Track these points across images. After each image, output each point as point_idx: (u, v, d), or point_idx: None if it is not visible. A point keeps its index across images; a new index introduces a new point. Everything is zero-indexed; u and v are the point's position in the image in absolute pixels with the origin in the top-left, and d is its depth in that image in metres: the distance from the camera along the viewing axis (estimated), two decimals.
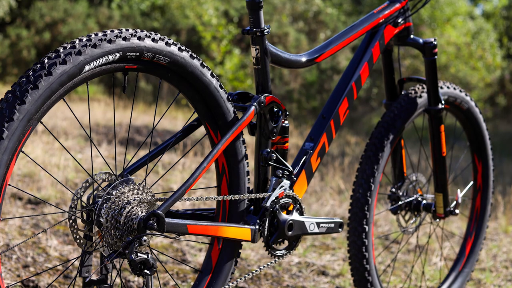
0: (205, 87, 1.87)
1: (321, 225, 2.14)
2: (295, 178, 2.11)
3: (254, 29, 1.98)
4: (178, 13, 13.26)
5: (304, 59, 2.14)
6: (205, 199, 1.89)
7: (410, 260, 3.50)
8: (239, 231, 1.95)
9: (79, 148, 5.56)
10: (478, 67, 14.62)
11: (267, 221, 2.01)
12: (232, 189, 1.98)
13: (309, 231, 2.10)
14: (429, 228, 2.95)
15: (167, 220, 1.77)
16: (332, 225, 2.17)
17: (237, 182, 1.98)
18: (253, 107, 1.96)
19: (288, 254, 2.08)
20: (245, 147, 1.98)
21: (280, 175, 2.06)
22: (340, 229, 2.20)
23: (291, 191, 2.08)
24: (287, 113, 2.05)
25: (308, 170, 2.16)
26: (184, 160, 5.45)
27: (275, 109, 2.02)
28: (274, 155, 2.03)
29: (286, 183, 2.06)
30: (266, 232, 2.01)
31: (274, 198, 2.01)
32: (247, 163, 1.99)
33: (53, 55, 1.62)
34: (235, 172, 1.97)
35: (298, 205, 2.08)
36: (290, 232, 2.05)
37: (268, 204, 2.01)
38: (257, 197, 2.01)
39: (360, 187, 2.39)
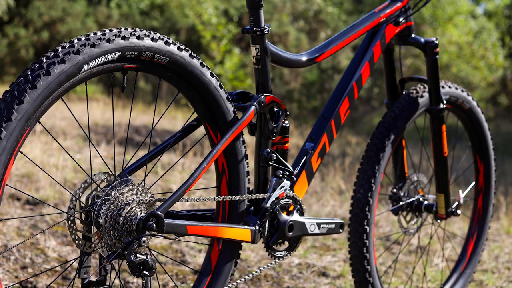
0: (205, 87, 1.86)
1: (321, 225, 2.12)
2: (295, 179, 2.10)
3: (254, 28, 1.96)
4: (177, 12, 13.25)
5: (304, 58, 2.13)
6: (205, 200, 1.88)
7: (412, 261, 3.48)
8: (239, 232, 1.94)
9: (77, 148, 5.54)
10: (480, 67, 14.61)
11: (267, 222, 1.99)
12: (232, 189, 1.97)
13: (310, 232, 2.09)
14: (431, 229, 2.94)
15: (167, 220, 1.76)
16: (333, 225, 2.16)
17: (237, 182, 1.97)
18: (253, 107, 1.94)
19: (288, 255, 2.07)
20: (245, 147, 1.97)
21: (281, 175, 2.04)
22: (341, 230, 2.19)
23: (292, 191, 2.06)
24: (288, 113, 2.03)
25: (309, 171, 2.14)
26: (183, 160, 5.43)
27: (275, 109, 2.01)
28: (274, 155, 2.01)
29: (286, 183, 2.04)
30: (266, 233, 2.00)
31: (274, 199, 2.00)
32: (247, 163, 1.98)
33: (52, 55, 1.61)
34: (235, 172, 1.96)
35: (298, 206, 2.07)
36: (290, 233, 2.04)
37: (268, 204, 1.99)
38: (257, 197, 2.00)
39: (361, 188, 2.37)
